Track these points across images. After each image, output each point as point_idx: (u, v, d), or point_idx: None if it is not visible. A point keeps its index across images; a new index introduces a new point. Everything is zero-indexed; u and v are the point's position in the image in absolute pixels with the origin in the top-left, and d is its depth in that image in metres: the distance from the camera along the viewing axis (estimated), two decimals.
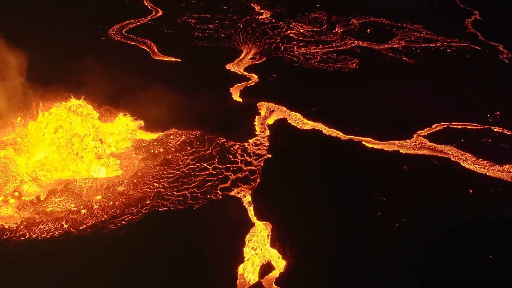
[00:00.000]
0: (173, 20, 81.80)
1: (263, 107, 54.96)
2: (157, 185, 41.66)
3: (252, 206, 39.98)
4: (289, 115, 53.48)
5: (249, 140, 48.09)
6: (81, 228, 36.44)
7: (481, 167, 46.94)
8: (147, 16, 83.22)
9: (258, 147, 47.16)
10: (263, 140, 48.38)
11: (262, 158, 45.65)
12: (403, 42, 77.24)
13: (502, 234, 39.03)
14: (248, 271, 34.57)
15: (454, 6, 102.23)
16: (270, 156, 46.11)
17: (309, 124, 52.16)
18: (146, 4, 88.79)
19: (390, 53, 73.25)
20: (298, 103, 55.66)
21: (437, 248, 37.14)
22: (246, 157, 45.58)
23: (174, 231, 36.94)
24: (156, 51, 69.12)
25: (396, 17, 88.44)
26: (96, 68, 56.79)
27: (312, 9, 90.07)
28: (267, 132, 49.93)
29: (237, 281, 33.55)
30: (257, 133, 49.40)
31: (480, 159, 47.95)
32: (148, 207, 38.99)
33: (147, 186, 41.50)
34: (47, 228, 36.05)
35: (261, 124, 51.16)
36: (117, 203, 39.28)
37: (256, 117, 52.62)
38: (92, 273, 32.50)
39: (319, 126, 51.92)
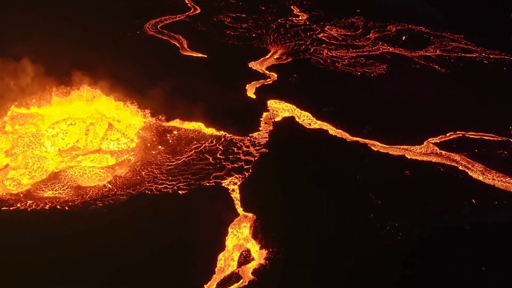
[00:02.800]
0: (209, 18, 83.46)
1: (273, 104, 55.07)
2: (157, 171, 42.59)
3: (239, 197, 40.25)
4: (298, 114, 53.22)
5: (250, 135, 48.68)
6: (71, 204, 37.87)
7: (490, 178, 45.22)
8: (185, 13, 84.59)
9: (258, 141, 47.53)
10: (264, 136, 48.67)
11: (258, 152, 45.99)
12: (438, 51, 75.31)
13: (499, 246, 37.51)
14: (228, 259, 34.84)
15: (506, 20, 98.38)
16: (267, 151, 46.34)
17: (317, 124, 51.78)
18: (187, 2, 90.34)
19: (422, 61, 71.62)
20: (311, 103, 55.59)
21: (424, 254, 36.34)
22: (243, 151, 46.05)
23: (158, 214, 38.14)
24: (186, 46, 70.33)
25: (437, 26, 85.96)
26: (121, 59, 59.00)
27: (351, 14, 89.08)
28: (271, 128, 50.01)
29: (216, 268, 33.93)
30: (260, 128, 49.56)
31: (491, 170, 46.14)
32: (139, 190, 40.03)
33: (146, 170, 42.63)
34: (36, 201, 37.78)
35: (267, 120, 51.35)
36: (111, 185, 40.50)
37: (264, 113, 52.76)
38: (69, 244, 34.23)
39: (327, 126, 51.36)
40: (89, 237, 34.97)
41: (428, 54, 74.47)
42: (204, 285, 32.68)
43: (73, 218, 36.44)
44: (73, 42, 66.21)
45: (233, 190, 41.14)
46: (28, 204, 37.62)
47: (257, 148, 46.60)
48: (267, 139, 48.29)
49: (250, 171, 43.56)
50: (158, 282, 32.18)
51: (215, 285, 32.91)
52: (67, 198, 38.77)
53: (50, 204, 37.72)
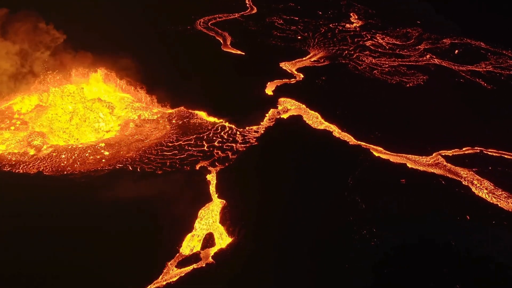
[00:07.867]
0: (262, 18, 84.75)
1: (285, 102, 55.44)
2: (153, 151, 44.41)
3: (215, 183, 41.02)
4: (307, 114, 53.06)
5: (248, 128, 49.90)
6: (57, 171, 40.52)
7: (495, 197, 42.62)
8: (241, 12, 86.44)
9: (253, 135, 48.27)
10: (262, 130, 49.16)
11: (248, 145, 46.64)
12: (490, 67, 71.49)
13: (481, 267, 35.21)
14: (193, 241, 35.84)
15: None
16: (257, 143, 46.83)
17: (323, 125, 51.43)
18: (246, 2, 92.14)
19: (468, 76, 68.29)
20: (325, 105, 55.15)
21: (395, 263, 35.03)
22: (235, 142, 47.04)
23: (130, 190, 39.83)
24: (228, 43, 71.88)
25: (500, 43, 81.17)
26: (157, 50, 62.12)
27: (410, 25, 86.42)
28: (271, 124, 50.55)
29: (180, 248, 35.16)
30: (262, 123, 50.15)
31: (498, 189, 43.48)
32: (125, 167, 41.93)
33: (140, 149, 44.97)
34: (24, 166, 40.73)
35: (272, 116, 51.72)
36: (103, 160, 42.91)
37: (271, 109, 53.15)
38: (44, 206, 37.04)
39: (333, 128, 50.85)
40: (61, 202, 37.48)
41: (477, 69, 70.79)
42: (168, 262, 33.75)
43: (50, 183, 39.08)
44: (125, 27, 71.56)
45: (212, 177, 41.90)
46: (19, 167, 40.64)
47: (249, 141, 47.11)
48: (263, 134, 48.52)
49: (232, 161, 44.15)
50: (123, 255, 33.70)
51: (176, 263, 33.82)
52: (58, 168, 41.40)
53: (37, 168, 40.46)
